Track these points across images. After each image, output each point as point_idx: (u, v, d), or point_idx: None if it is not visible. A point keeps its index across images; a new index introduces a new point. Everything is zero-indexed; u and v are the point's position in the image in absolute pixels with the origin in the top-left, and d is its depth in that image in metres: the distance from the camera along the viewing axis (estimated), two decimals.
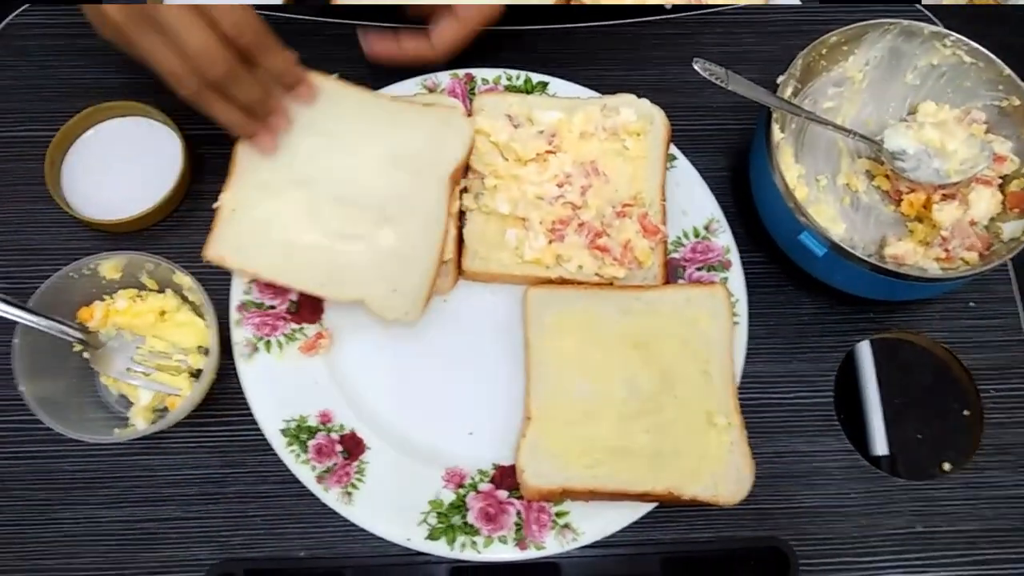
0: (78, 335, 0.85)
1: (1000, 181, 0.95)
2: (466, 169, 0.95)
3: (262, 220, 0.88)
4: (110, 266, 0.87)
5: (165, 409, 0.88)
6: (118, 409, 0.89)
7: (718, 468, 0.84)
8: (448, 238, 0.91)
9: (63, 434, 0.80)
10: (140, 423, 0.86)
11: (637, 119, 0.96)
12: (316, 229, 0.88)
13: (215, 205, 0.89)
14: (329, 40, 1.05)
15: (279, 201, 0.89)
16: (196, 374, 0.89)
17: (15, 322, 0.82)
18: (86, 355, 0.88)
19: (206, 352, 0.89)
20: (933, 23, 1.00)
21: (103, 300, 0.89)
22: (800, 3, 1.13)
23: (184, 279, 0.87)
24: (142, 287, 0.91)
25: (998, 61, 0.95)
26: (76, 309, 0.88)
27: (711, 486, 0.84)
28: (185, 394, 0.86)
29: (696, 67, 0.90)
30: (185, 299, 0.91)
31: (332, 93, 0.92)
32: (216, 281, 0.91)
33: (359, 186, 0.90)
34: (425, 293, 0.88)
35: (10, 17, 1.05)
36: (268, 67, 0.84)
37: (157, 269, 0.88)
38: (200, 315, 0.90)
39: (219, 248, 0.88)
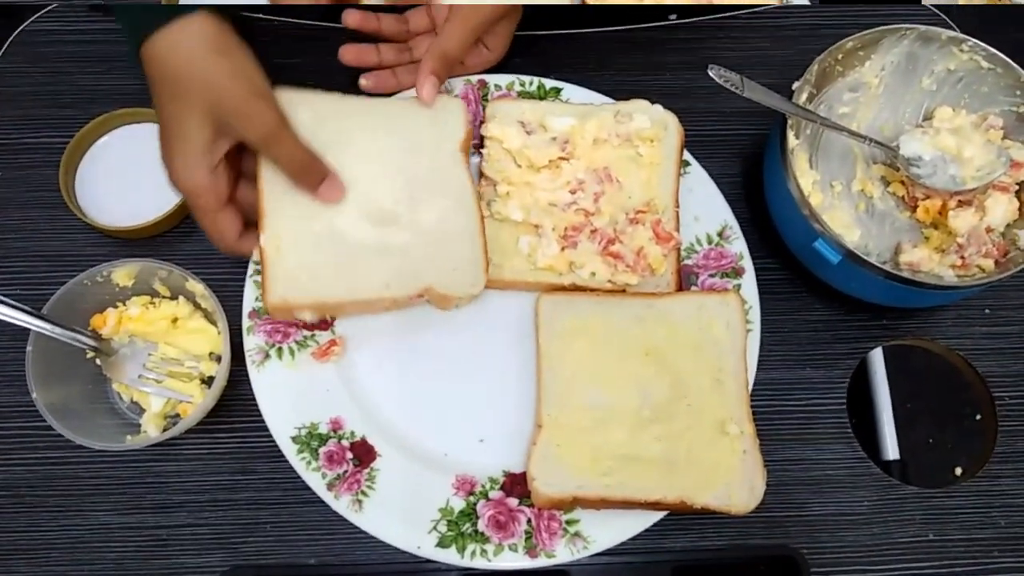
0: (91, 343, 0.86)
1: (1017, 187, 0.94)
2: (480, 175, 0.95)
3: (309, 246, 0.87)
4: (123, 273, 0.88)
5: (177, 416, 0.89)
6: (131, 416, 0.90)
7: (731, 477, 0.84)
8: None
9: (74, 441, 0.80)
10: (152, 430, 0.87)
11: (651, 125, 0.95)
12: (361, 233, 0.88)
13: (255, 258, 0.89)
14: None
15: (317, 222, 0.88)
16: (208, 381, 0.89)
17: (29, 329, 0.82)
18: (99, 362, 0.88)
19: (218, 359, 0.90)
20: (950, 28, 1.00)
21: (116, 307, 0.90)
22: (809, 3, 1.12)
23: (196, 286, 0.87)
24: (155, 294, 0.91)
25: (1016, 67, 0.94)
26: (89, 316, 0.88)
27: (723, 495, 0.83)
28: (197, 401, 0.87)
29: (711, 74, 0.90)
30: (198, 306, 0.91)
31: (331, 106, 0.92)
32: (228, 288, 0.92)
33: (384, 181, 0.90)
34: (482, 263, 0.89)
35: (25, 24, 1.05)
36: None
37: (170, 276, 0.88)
38: (212, 322, 0.90)
39: (278, 290, 0.85)
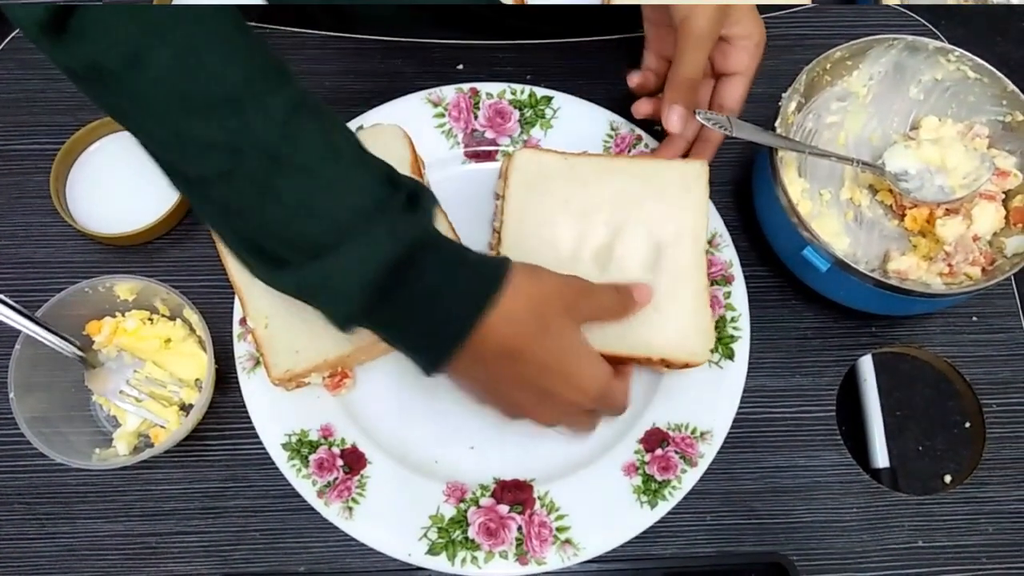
0: (77, 352, 0.85)
1: (1003, 196, 0.95)
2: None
3: (295, 314, 0.86)
4: (126, 288, 0.88)
5: (148, 438, 0.88)
6: (108, 427, 0.89)
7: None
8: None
9: (39, 449, 0.80)
10: (122, 447, 0.87)
11: None
12: None
13: (249, 338, 0.89)
14: (351, 53, 1.06)
15: None
16: (187, 408, 0.89)
17: (18, 333, 0.82)
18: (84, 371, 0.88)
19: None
20: (937, 38, 1.00)
21: (114, 317, 0.90)
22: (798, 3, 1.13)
23: (192, 315, 0.87)
24: (155, 311, 0.91)
25: (1002, 77, 0.94)
26: (83, 324, 0.88)
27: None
28: (171, 428, 0.86)
29: (699, 118, 0.89)
30: (193, 330, 0.91)
31: None
32: (219, 296, 0.92)
33: None
34: None
35: (17, 30, 1.05)
36: None
37: (170, 297, 0.87)
38: (205, 349, 0.90)
39: (280, 364, 0.85)
